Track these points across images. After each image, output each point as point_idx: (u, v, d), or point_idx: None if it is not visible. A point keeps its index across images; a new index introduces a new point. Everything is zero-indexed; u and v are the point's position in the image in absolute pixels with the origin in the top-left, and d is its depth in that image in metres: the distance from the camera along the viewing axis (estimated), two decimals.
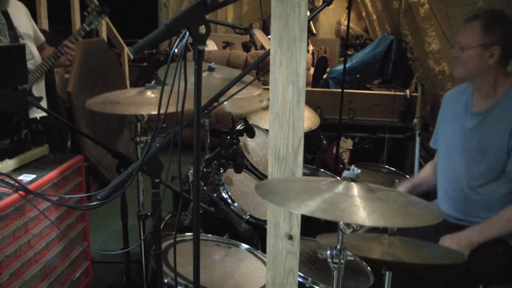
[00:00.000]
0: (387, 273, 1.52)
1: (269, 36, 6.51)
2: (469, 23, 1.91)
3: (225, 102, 2.66)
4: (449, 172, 2.09)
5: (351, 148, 4.42)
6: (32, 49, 2.68)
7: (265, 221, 1.62)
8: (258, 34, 7.00)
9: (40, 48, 2.78)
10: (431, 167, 2.31)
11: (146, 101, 2.08)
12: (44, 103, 2.77)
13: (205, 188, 2.14)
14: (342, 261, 1.25)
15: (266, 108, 2.76)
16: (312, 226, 1.89)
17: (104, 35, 4.92)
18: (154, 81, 2.19)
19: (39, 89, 2.72)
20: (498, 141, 1.89)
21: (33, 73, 2.63)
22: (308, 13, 1.26)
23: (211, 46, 7.18)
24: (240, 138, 2.26)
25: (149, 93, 2.13)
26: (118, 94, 2.21)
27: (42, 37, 2.82)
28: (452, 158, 2.06)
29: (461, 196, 2.02)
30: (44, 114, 2.64)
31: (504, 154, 1.88)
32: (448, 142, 2.09)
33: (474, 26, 1.88)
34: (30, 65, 2.64)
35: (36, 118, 2.63)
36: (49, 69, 2.73)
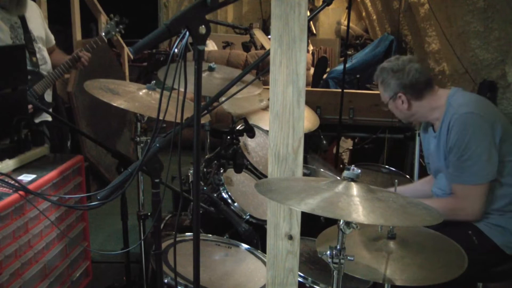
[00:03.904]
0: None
1: (269, 36, 6.51)
2: (378, 85, 2.16)
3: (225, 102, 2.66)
4: (439, 193, 2.17)
5: (351, 148, 4.42)
6: (44, 53, 2.67)
7: (265, 221, 1.62)
8: (258, 34, 6.99)
9: (49, 50, 2.77)
10: (421, 183, 2.41)
11: (146, 103, 2.08)
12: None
13: (205, 188, 2.14)
14: (342, 261, 1.25)
15: (266, 108, 2.76)
16: (312, 226, 1.89)
17: None
18: (154, 81, 2.20)
19: (48, 95, 2.72)
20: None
21: (47, 78, 2.61)
22: (308, 13, 1.26)
23: (211, 46, 7.17)
24: (240, 138, 2.26)
25: (148, 95, 2.13)
26: (118, 84, 2.20)
27: (52, 40, 2.82)
28: (436, 179, 2.19)
29: None
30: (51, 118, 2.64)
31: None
32: (430, 165, 2.23)
33: (379, 87, 2.15)
34: (43, 71, 2.63)
35: (45, 122, 2.63)
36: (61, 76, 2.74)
